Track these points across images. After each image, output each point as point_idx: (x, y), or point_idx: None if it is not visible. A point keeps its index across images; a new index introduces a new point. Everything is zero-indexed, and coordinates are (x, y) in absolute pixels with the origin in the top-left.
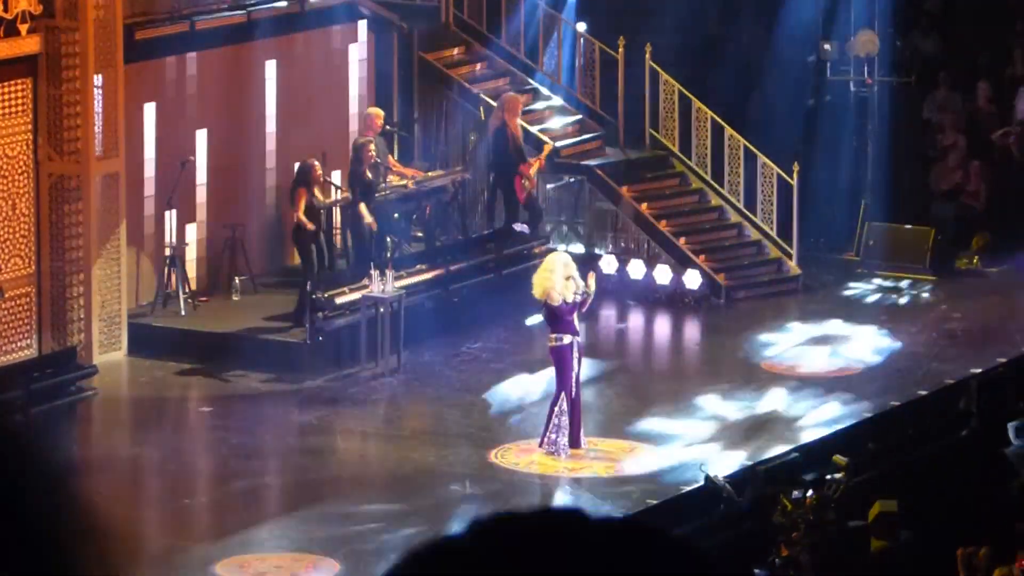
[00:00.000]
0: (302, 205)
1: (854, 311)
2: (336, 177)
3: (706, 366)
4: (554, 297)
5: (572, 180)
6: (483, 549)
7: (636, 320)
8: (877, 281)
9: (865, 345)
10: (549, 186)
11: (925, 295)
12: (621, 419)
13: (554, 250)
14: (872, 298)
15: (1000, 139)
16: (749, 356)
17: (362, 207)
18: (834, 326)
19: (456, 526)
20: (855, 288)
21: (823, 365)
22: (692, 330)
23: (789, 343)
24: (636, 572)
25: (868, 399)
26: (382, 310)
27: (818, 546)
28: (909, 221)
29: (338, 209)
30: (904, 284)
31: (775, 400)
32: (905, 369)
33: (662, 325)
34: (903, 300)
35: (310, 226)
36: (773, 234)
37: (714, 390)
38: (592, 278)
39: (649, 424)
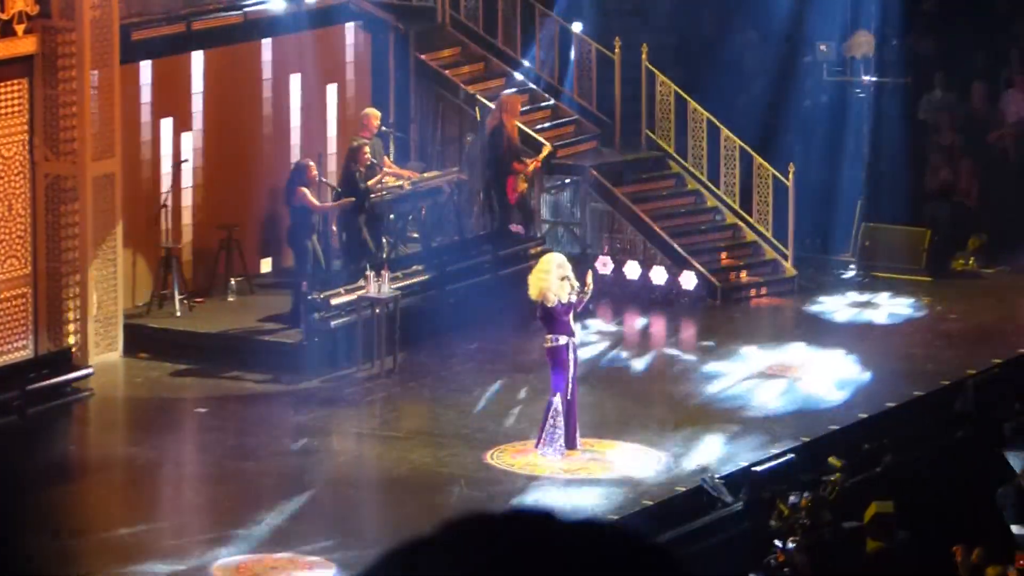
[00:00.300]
0: (312, 200)
1: (849, 312)
2: (331, 177)
3: (700, 367)
4: (550, 298)
5: (568, 181)
6: (453, 548)
7: (632, 320)
8: (873, 282)
9: (859, 346)
10: (546, 187)
11: (921, 296)
12: (617, 420)
13: (550, 251)
14: (868, 299)
15: (996, 140)
16: (743, 357)
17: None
18: (829, 326)
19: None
20: (850, 289)
21: (817, 365)
22: (687, 331)
23: (783, 343)
24: (599, 573)
25: (863, 399)
26: (378, 311)
27: (814, 547)
28: (905, 222)
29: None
30: (900, 285)
31: (770, 400)
32: (901, 370)
33: (658, 326)
34: (899, 301)
35: (344, 202)
36: (769, 235)
37: (709, 390)
38: (589, 276)
39: (645, 425)
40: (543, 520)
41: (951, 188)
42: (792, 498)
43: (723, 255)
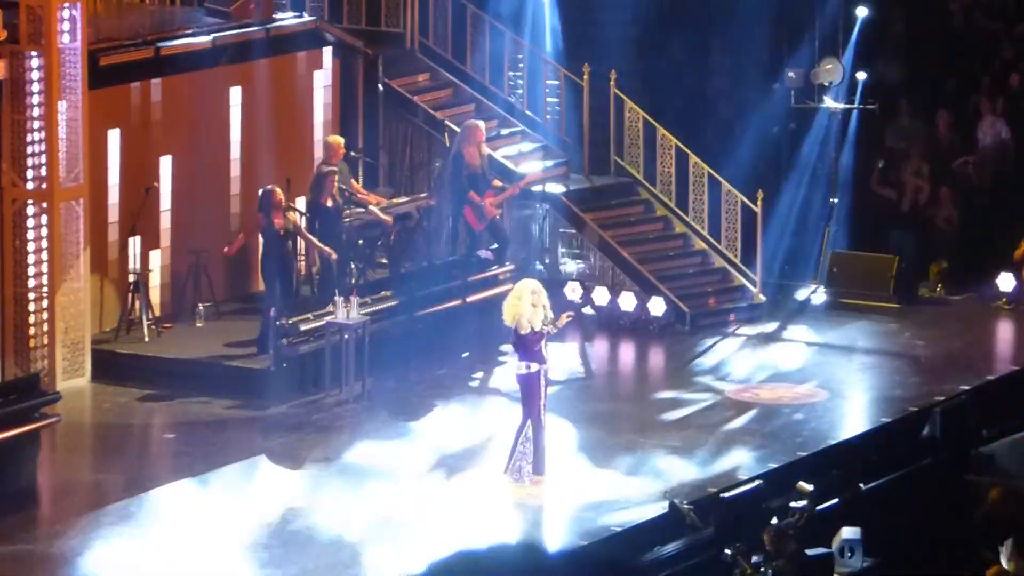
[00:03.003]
0: (281, 221)
1: (817, 338)
2: (300, 203)
3: (670, 393)
4: (523, 324)
5: (537, 207)
6: None
7: (601, 346)
8: (841, 309)
9: (827, 372)
10: (514, 213)
11: (889, 323)
12: (586, 446)
13: (524, 277)
14: (835, 325)
15: (959, 167)
16: (712, 383)
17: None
18: (797, 353)
19: (420, 555)
20: (818, 316)
21: (785, 392)
22: (656, 357)
23: (752, 370)
24: None
25: (832, 426)
26: (347, 336)
27: (781, 574)
28: (873, 248)
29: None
30: (868, 311)
31: (739, 426)
32: (869, 396)
33: (626, 352)
34: (866, 327)
35: (292, 216)
36: (737, 261)
37: (678, 416)
38: (564, 318)
39: (614, 451)
40: (529, 552)
41: (919, 215)
42: (755, 558)
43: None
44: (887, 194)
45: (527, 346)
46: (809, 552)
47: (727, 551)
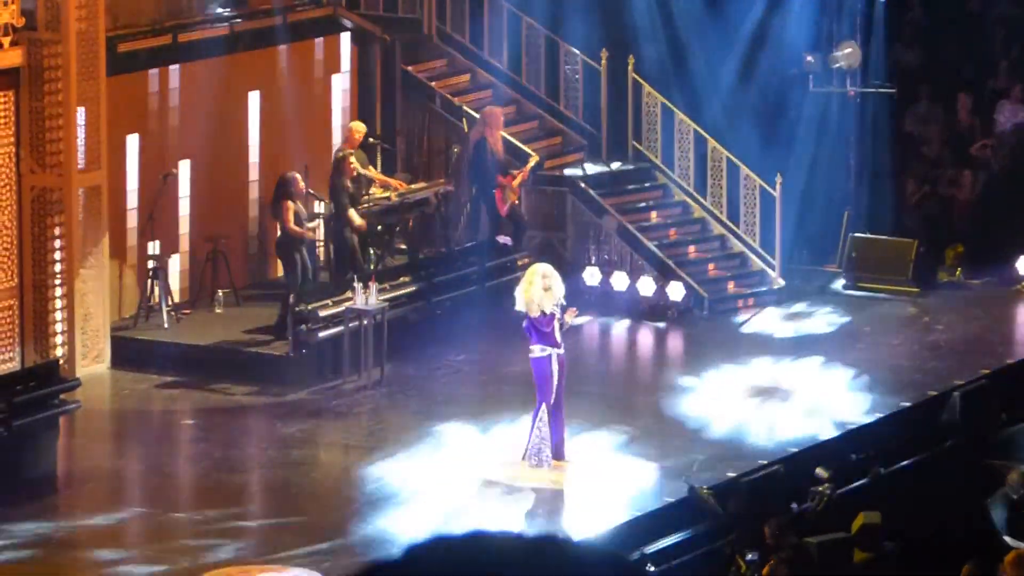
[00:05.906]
0: (291, 217)
1: (836, 323)
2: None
3: (689, 378)
4: (532, 309)
5: (555, 192)
6: (417, 572)
7: (620, 331)
8: (860, 292)
9: (846, 357)
10: (532, 198)
11: (908, 306)
12: (604, 430)
13: (536, 261)
14: (854, 310)
15: (979, 151)
16: (731, 368)
17: (352, 213)
18: (816, 337)
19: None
20: (837, 300)
21: (804, 376)
22: (675, 341)
23: (771, 354)
24: None
25: (851, 410)
26: (365, 322)
27: (795, 561)
28: (891, 233)
29: (321, 221)
30: (887, 295)
31: (758, 411)
32: (888, 380)
33: (645, 337)
34: (886, 311)
35: (310, 234)
36: (756, 246)
37: (696, 400)
38: (570, 315)
39: (633, 436)
40: (509, 542)
41: (939, 199)
42: (749, 555)
43: (711, 267)
44: (907, 178)
45: (539, 329)
46: (810, 540)
47: (726, 549)
